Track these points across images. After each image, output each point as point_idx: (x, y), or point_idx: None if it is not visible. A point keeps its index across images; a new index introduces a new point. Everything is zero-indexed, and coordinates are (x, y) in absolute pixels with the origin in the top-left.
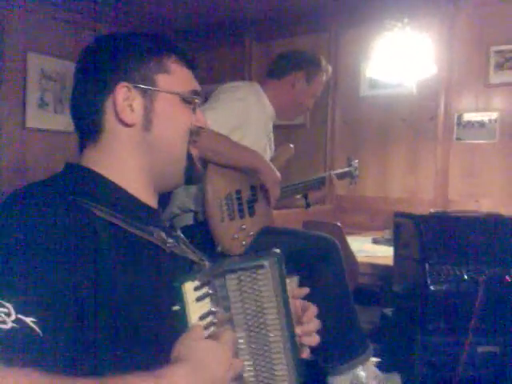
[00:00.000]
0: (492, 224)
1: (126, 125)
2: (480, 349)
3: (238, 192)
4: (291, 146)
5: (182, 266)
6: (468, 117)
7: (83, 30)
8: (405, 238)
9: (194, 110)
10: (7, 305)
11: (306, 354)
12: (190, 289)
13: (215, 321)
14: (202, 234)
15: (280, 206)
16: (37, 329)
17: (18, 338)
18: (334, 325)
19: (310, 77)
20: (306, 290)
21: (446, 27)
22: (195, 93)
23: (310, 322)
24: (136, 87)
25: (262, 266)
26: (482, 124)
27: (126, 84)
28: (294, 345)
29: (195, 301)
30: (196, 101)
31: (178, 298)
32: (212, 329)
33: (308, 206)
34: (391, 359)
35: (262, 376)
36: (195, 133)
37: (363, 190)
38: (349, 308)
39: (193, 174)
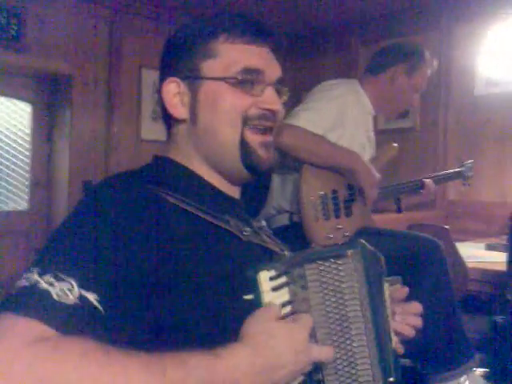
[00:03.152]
0: None
1: (180, 121)
2: None
3: (334, 192)
4: (395, 145)
5: (259, 255)
6: None
7: None
8: None
9: (259, 90)
10: (71, 280)
11: (399, 349)
12: (265, 278)
13: (292, 311)
14: (296, 235)
15: (373, 209)
16: (99, 307)
17: (80, 315)
18: (435, 329)
19: (411, 70)
20: (405, 290)
21: None
22: (247, 70)
23: (408, 314)
24: (184, 80)
25: (343, 256)
26: None
27: (174, 79)
28: (383, 340)
29: (271, 290)
30: (252, 79)
31: (253, 287)
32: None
33: (400, 210)
34: (500, 370)
35: (343, 370)
36: (259, 117)
37: (478, 195)
38: (453, 313)
39: (253, 163)
